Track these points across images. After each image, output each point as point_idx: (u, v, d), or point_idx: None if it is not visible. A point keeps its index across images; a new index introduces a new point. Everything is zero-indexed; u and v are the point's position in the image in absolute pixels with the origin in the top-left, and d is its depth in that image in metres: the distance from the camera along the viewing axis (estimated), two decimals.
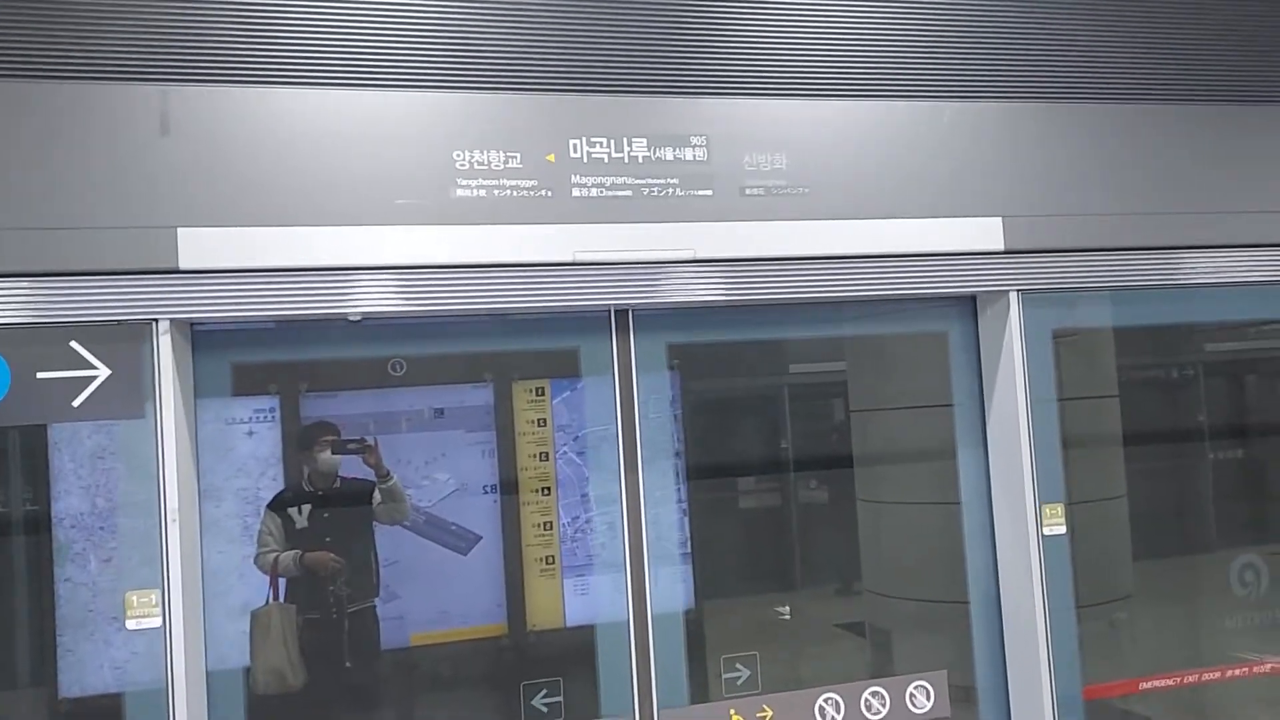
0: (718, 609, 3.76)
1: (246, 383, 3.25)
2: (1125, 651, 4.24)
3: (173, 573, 2.80)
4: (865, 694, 3.34)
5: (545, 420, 3.56)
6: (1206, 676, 3.60)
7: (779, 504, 5.00)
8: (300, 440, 3.39)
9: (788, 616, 4.44)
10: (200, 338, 3.06)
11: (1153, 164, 3.60)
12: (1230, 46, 3.76)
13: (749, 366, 4.67)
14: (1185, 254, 3.58)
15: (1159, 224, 3.57)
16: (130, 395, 2.83)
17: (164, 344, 2.84)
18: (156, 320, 2.83)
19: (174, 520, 2.81)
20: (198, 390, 3.06)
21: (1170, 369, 5.06)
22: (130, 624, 2.79)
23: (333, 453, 3.38)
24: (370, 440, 3.38)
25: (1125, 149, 3.58)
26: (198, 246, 2.84)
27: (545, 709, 3.23)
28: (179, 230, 2.83)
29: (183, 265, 2.82)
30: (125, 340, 2.83)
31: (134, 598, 2.80)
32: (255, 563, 3.27)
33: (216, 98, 2.90)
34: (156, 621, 2.80)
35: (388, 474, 3.39)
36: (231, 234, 2.87)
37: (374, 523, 3.44)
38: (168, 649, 2.78)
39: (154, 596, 2.81)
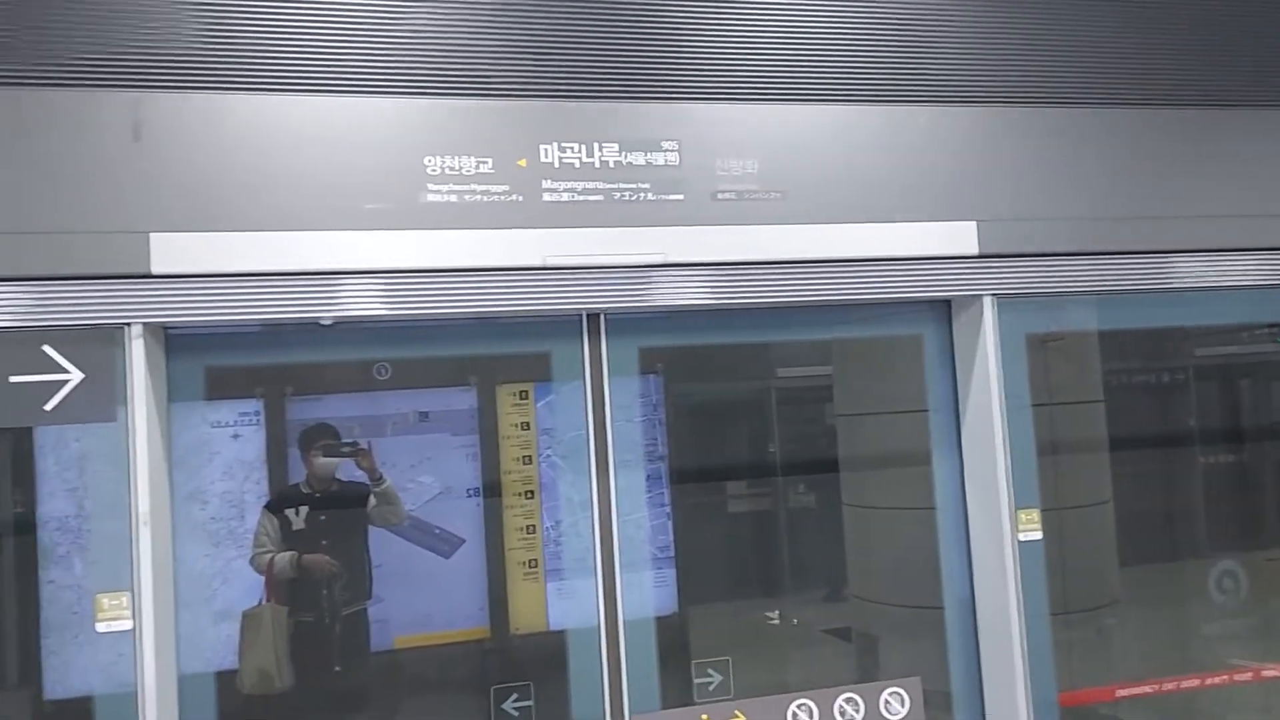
0: (703, 614, 3.75)
1: (230, 386, 3.28)
2: (1106, 658, 4.21)
3: (143, 575, 2.82)
4: (839, 700, 3.32)
5: (529, 424, 3.57)
6: (1185, 684, 3.58)
7: (766, 508, 4.98)
8: (299, 443, 3.41)
9: (777, 621, 4.43)
10: (174, 341, 3.09)
11: (1127, 168, 3.59)
12: (1204, 50, 3.75)
13: (735, 370, 4.66)
14: (1160, 258, 3.58)
15: (1134, 228, 3.57)
16: (103, 399, 2.85)
17: (136, 348, 2.86)
18: (129, 324, 2.85)
19: (145, 523, 2.83)
20: (172, 394, 3.09)
21: (1157, 373, 5.03)
22: (100, 626, 2.81)
23: (325, 456, 3.40)
24: (364, 444, 3.40)
25: (1099, 153, 3.58)
26: (170, 251, 2.86)
27: (516, 713, 3.24)
28: (151, 235, 2.85)
29: (155, 270, 2.85)
30: (98, 344, 2.85)
31: (105, 600, 2.82)
32: (250, 563, 3.28)
33: (188, 103, 2.93)
34: (127, 624, 2.81)
35: (381, 477, 3.41)
36: (203, 239, 2.89)
37: (368, 526, 3.46)
38: (138, 652, 2.80)
39: (124, 599, 2.83)
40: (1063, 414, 4.03)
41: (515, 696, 3.27)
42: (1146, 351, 4.83)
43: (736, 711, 3.24)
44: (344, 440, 3.42)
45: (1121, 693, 3.52)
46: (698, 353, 3.72)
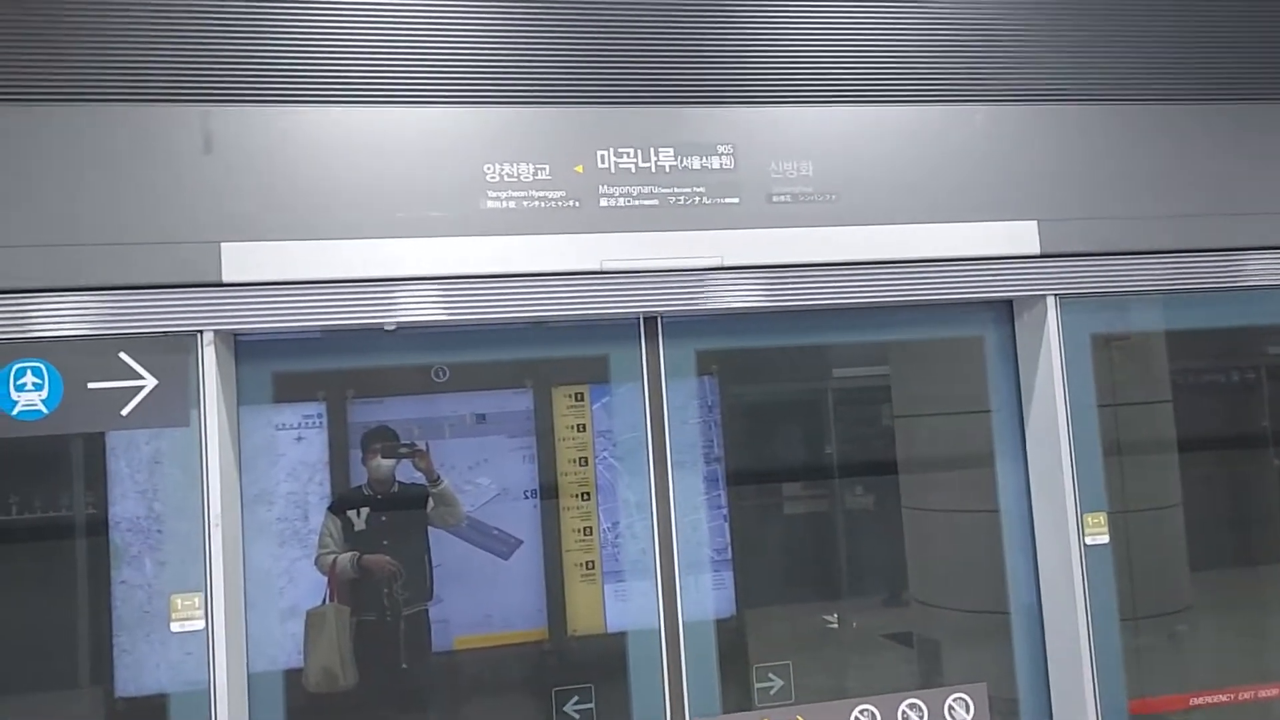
0: (761, 617, 3.72)
1: (294, 390, 3.35)
2: (1178, 665, 4.09)
3: (215, 576, 2.89)
4: (902, 706, 3.28)
5: (585, 425, 3.59)
6: (1263, 693, 3.46)
7: (823, 510, 4.92)
8: (361, 445, 3.48)
9: (835, 625, 4.38)
10: (243, 347, 3.17)
11: (1191, 164, 3.52)
12: (1271, 43, 3.66)
13: (791, 371, 4.62)
14: (1228, 255, 3.49)
15: (1200, 225, 3.49)
16: (176, 404, 2.94)
17: (208, 354, 2.95)
18: (201, 331, 2.94)
19: (217, 525, 2.91)
20: (240, 398, 3.17)
21: (1228, 372, 4.88)
22: (175, 626, 2.89)
23: (383, 457, 3.46)
24: (422, 445, 3.46)
25: (1162, 150, 3.51)
26: (240, 260, 2.95)
27: (578, 715, 3.25)
28: (222, 245, 2.94)
29: (226, 278, 2.94)
30: (171, 351, 2.95)
31: (178, 600, 2.90)
32: (315, 563, 3.35)
33: (256, 116, 3.02)
34: (200, 624, 2.89)
35: (438, 478, 3.46)
36: (272, 248, 2.97)
37: (428, 527, 3.50)
38: (210, 651, 2.87)
39: (197, 600, 2.90)
40: (1129, 415, 3.94)
41: (576, 699, 3.28)
42: (1216, 350, 4.70)
43: (798, 716, 3.21)
44: (402, 442, 3.48)
45: (1196, 701, 3.42)
46: (753, 354, 3.71)
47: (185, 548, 2.93)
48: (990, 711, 3.34)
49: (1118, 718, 3.30)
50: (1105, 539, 3.32)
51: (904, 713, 3.27)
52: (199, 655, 2.88)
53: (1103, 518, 3.33)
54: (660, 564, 3.25)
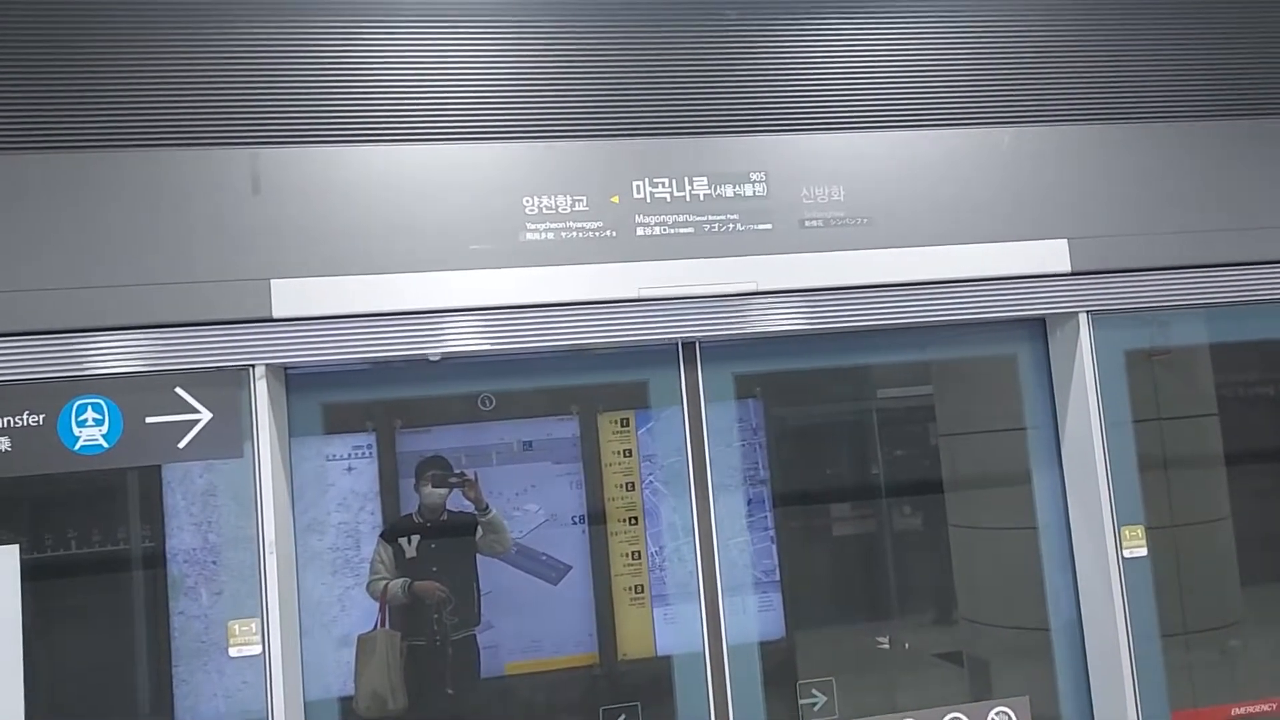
0: (809, 638, 3.73)
1: (343, 421, 3.43)
2: (1228, 679, 4.08)
3: (271, 602, 2.98)
4: None
5: (631, 451, 3.65)
6: None
7: (871, 530, 4.92)
8: (415, 473, 3.56)
9: (887, 646, 4.40)
10: (293, 380, 3.26)
11: (1219, 180, 3.56)
12: None
13: (835, 393, 4.63)
14: (1262, 269, 3.52)
15: (1229, 240, 3.52)
16: (230, 436, 3.03)
17: (260, 388, 3.04)
18: (253, 365, 3.03)
19: (271, 552, 2.99)
20: (291, 429, 3.26)
21: (1274, 384, 4.87)
22: (233, 651, 2.97)
23: (434, 486, 3.54)
24: (471, 475, 3.53)
25: (1193, 166, 3.55)
26: (289, 295, 3.04)
27: None
28: (272, 281, 3.03)
29: (276, 314, 3.03)
30: (225, 385, 3.04)
31: (235, 626, 2.98)
32: (367, 589, 3.42)
33: (302, 156, 3.11)
34: (257, 649, 2.97)
35: (487, 507, 3.52)
36: (320, 283, 3.06)
37: (477, 555, 3.57)
38: (267, 675, 2.95)
39: (254, 625, 2.98)
40: (1173, 429, 3.95)
41: (624, 718, 3.32)
42: (1259, 363, 4.69)
43: None
44: (453, 471, 3.55)
45: (1237, 711, 3.43)
46: (797, 377, 3.76)
47: (241, 575, 3.01)
48: None
49: None
50: (1143, 552, 3.34)
51: None
52: (256, 684, 2.95)
53: (1140, 531, 3.36)
54: (704, 587, 3.29)
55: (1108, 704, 3.39)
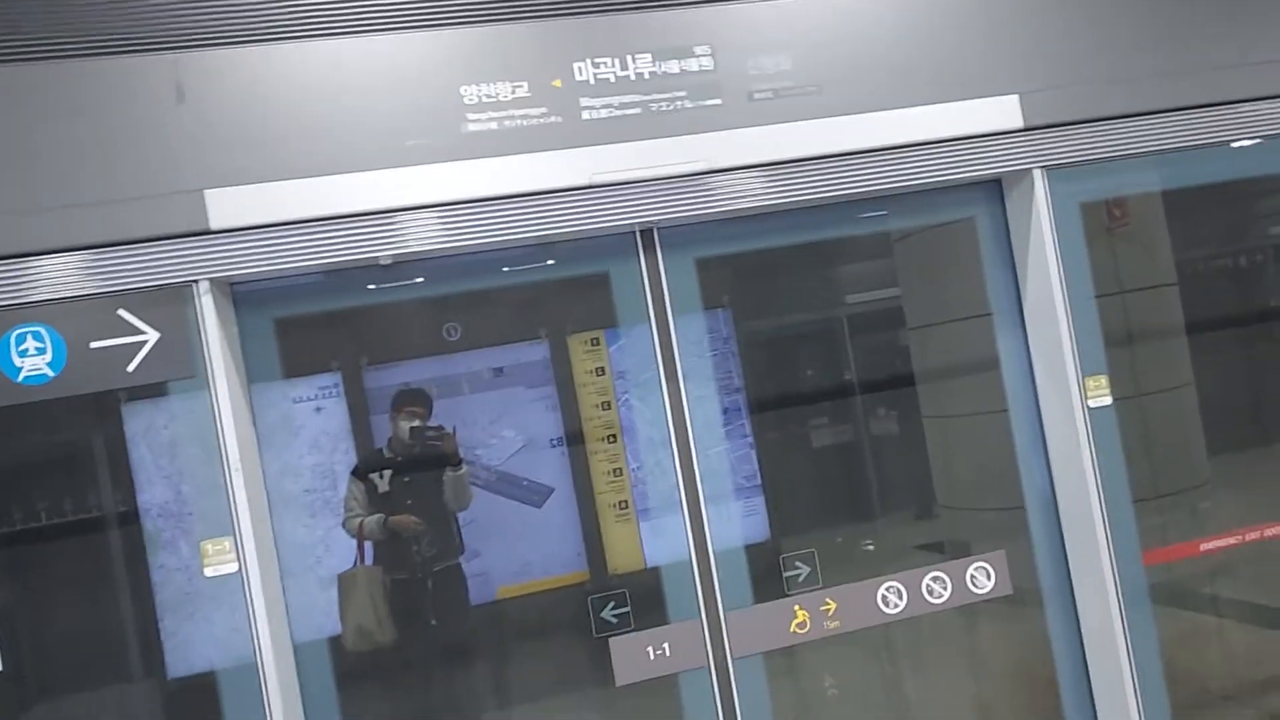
0: (795, 542, 3.73)
1: (308, 361, 3.35)
2: (1195, 526, 4.20)
3: (242, 518, 2.91)
4: (926, 579, 3.37)
5: (604, 369, 3.60)
6: (1269, 532, 3.57)
7: (847, 430, 4.99)
8: (391, 404, 3.49)
9: (872, 548, 4.47)
10: (241, 295, 3.15)
11: (1168, 25, 3.51)
12: None
13: (801, 295, 4.63)
14: (1221, 110, 3.49)
15: (1182, 83, 3.49)
16: (181, 355, 2.93)
17: (206, 303, 2.93)
18: (196, 281, 2.92)
19: (237, 469, 2.92)
20: (247, 353, 3.15)
21: (1234, 256, 4.94)
22: (208, 571, 2.91)
23: (411, 438, 3.47)
24: (449, 429, 3.47)
25: (1138, 11, 3.50)
26: (225, 206, 2.92)
27: (615, 620, 3.29)
28: (205, 192, 2.91)
29: (213, 225, 2.91)
30: (169, 303, 2.93)
31: (209, 546, 2.92)
32: (343, 527, 3.38)
33: (225, 59, 2.96)
34: (233, 566, 2.92)
35: (459, 463, 3.47)
36: (256, 190, 2.94)
37: None
38: (247, 592, 2.90)
39: (227, 544, 2.93)
40: (1134, 300, 4.01)
41: (612, 604, 3.30)
42: (1217, 227, 4.75)
43: (828, 599, 3.29)
44: (428, 425, 3.48)
45: (1205, 546, 3.53)
46: (766, 286, 3.72)
47: (210, 496, 2.93)
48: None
49: (1133, 568, 3.39)
50: (1108, 400, 3.38)
51: (928, 585, 3.36)
52: (244, 631, 2.89)
53: (1104, 380, 3.39)
54: (685, 497, 3.27)
55: (1081, 554, 3.46)
